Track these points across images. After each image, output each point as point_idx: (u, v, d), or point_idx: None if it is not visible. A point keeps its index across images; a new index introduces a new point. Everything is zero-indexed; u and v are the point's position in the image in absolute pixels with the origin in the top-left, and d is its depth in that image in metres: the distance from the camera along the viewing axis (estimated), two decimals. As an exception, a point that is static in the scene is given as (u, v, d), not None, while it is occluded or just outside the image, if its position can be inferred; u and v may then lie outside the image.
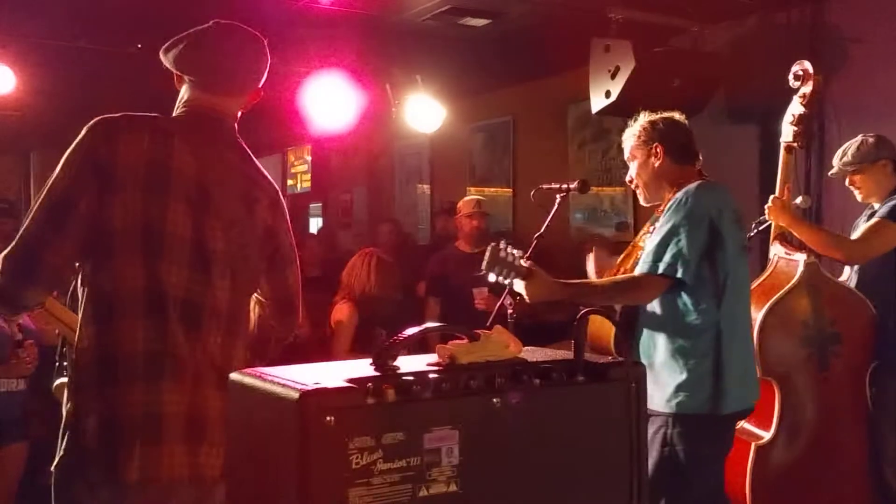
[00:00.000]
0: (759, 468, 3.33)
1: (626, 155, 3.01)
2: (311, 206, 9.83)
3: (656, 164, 2.89)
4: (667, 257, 2.69)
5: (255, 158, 2.19)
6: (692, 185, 2.78)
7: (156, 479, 1.91)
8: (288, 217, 2.23)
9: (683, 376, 2.69)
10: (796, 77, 3.64)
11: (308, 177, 9.34)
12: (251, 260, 2.09)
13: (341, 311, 4.71)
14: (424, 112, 5.84)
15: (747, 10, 4.72)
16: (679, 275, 2.67)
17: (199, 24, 2.16)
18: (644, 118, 2.99)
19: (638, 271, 2.76)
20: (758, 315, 3.30)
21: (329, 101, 5.51)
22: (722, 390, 2.69)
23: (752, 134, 4.86)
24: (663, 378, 2.72)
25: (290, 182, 9.69)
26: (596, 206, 6.11)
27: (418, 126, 5.99)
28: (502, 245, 2.73)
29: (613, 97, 4.54)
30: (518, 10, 4.81)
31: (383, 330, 4.63)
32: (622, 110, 4.80)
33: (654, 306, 2.79)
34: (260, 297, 2.22)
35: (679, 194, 2.77)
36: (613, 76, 4.49)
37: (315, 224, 9.79)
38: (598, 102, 4.67)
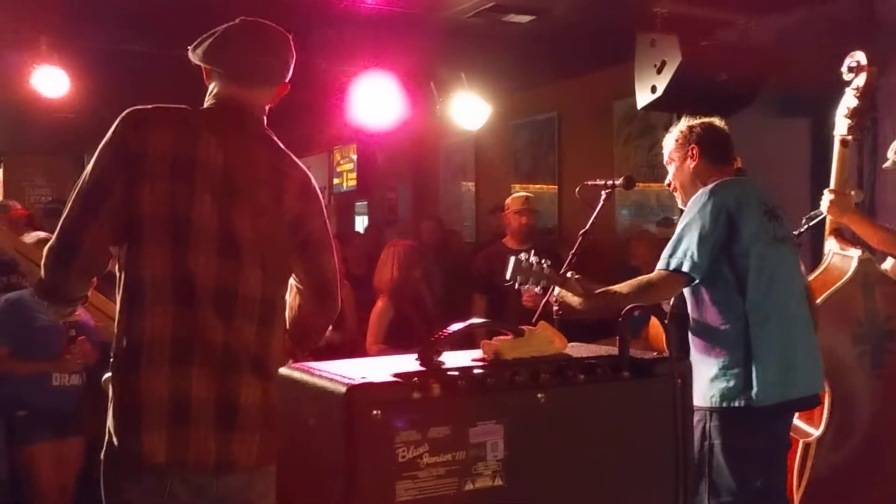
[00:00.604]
0: (808, 466, 3.28)
1: (665, 159, 3.10)
2: (357, 204, 9.89)
3: (692, 166, 2.98)
4: (678, 254, 2.78)
5: (284, 148, 2.20)
6: (711, 184, 2.85)
7: (183, 461, 1.95)
8: (322, 205, 2.24)
9: (714, 370, 2.73)
10: (850, 69, 3.56)
11: (354, 175, 9.40)
12: (281, 248, 2.11)
13: (375, 307, 4.78)
14: (469, 109, 5.84)
15: (795, 1, 4.63)
16: (686, 270, 2.75)
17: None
18: (683, 123, 3.05)
19: (656, 269, 2.84)
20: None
21: (374, 100, 5.54)
22: (754, 382, 2.70)
23: (801, 127, 4.77)
24: (700, 372, 2.72)
25: (336, 181, 9.76)
26: (642, 202, 6.06)
27: (463, 123, 5.99)
28: (523, 257, 2.86)
29: (659, 92, 4.49)
30: (562, 6, 4.78)
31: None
32: (668, 105, 4.75)
33: (690, 303, 2.86)
34: (298, 286, 2.24)
35: (698, 192, 2.85)
36: (659, 71, 4.44)
37: (361, 222, 9.85)
38: (643, 98, 4.62)
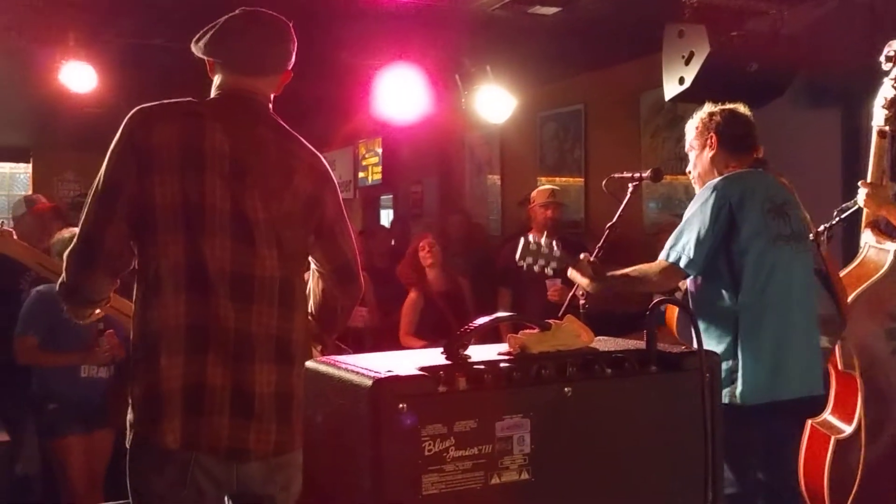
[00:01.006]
0: (839, 462, 3.24)
1: (686, 146, 3.09)
2: (382, 197, 9.90)
3: (710, 155, 2.97)
4: (677, 247, 2.81)
5: (293, 132, 2.21)
6: (720, 177, 2.84)
7: (196, 447, 1.96)
8: (336, 187, 2.26)
9: None
10: (888, 59, 3.49)
11: (379, 169, 9.41)
12: (297, 229, 2.12)
13: (407, 298, 4.85)
14: (494, 102, 5.82)
15: (829, -10, 4.56)
16: (682, 266, 2.77)
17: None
18: (706, 109, 3.02)
19: (659, 257, 2.89)
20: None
21: (399, 94, 5.54)
22: (739, 381, 2.69)
23: (834, 118, 4.70)
24: None
25: (361, 174, 9.78)
26: (670, 194, 6.00)
27: (488, 116, 5.97)
28: (531, 238, 2.95)
29: (688, 83, 4.44)
30: (588, -3, 4.75)
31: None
32: (697, 97, 4.68)
33: (689, 295, 2.89)
34: (319, 269, 2.24)
35: (705, 185, 2.86)
36: (688, 62, 4.39)
37: (386, 216, 9.86)
38: (671, 89, 4.57)
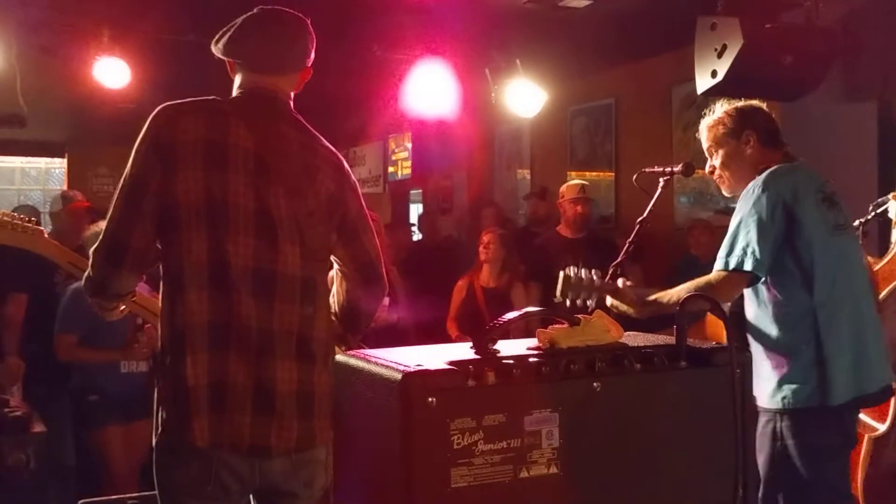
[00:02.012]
0: (874, 461, 3.19)
1: (707, 145, 2.93)
2: (412, 192, 9.92)
3: (748, 152, 2.82)
4: (736, 251, 2.62)
5: (314, 131, 2.21)
6: (763, 174, 2.69)
7: (220, 444, 1.98)
8: (357, 186, 2.25)
9: (785, 370, 2.61)
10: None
11: (408, 163, 9.43)
12: (319, 227, 2.12)
13: (456, 284, 5.06)
14: (524, 96, 5.80)
15: (865, -19, 4.49)
16: (748, 268, 2.58)
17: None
18: (721, 108, 2.91)
19: (714, 269, 2.68)
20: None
21: (429, 88, 5.54)
22: (828, 381, 2.57)
23: (870, 112, 4.64)
24: (766, 373, 2.63)
25: (391, 169, 9.80)
26: (702, 189, 5.95)
27: (518, 110, 5.95)
28: (572, 271, 2.73)
29: (720, 77, 4.39)
30: (620, -10, 4.72)
31: None
32: (729, 90, 4.63)
33: (749, 301, 2.72)
34: (342, 269, 2.25)
35: (750, 184, 2.70)
36: (720, 55, 4.33)
37: (416, 210, 9.88)
38: (703, 83, 4.52)
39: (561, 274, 2.74)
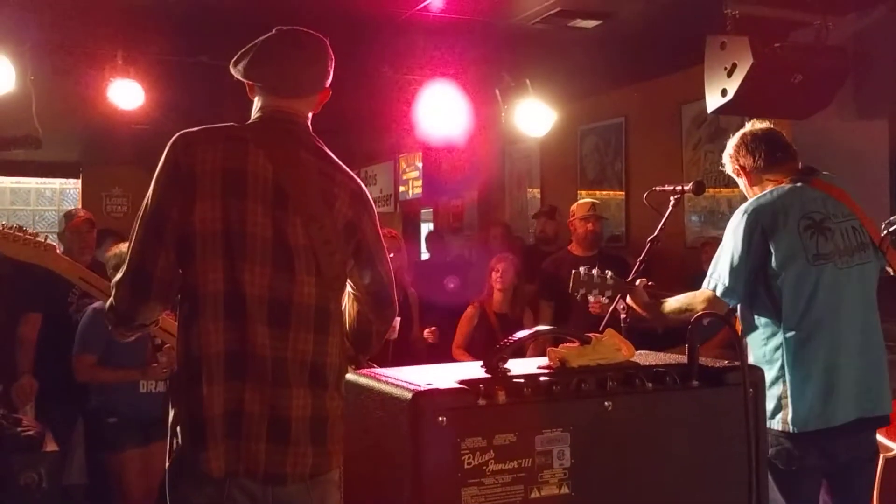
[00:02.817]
0: (888, 481, 3.16)
1: (731, 172, 3.04)
2: (423, 211, 9.94)
3: (744, 182, 2.94)
4: (714, 275, 2.76)
5: (333, 156, 2.21)
6: (750, 200, 2.79)
7: (235, 472, 1.98)
8: (374, 211, 2.26)
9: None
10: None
11: (419, 183, 9.46)
12: (336, 255, 2.12)
13: (465, 312, 4.95)
14: (534, 116, 5.82)
15: (875, 0, 4.49)
16: (719, 293, 2.71)
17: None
18: (735, 137, 3.00)
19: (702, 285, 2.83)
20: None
21: (440, 108, 5.57)
22: (789, 408, 2.59)
23: (881, 129, 4.62)
24: None
25: (401, 188, 9.83)
26: (713, 208, 5.94)
27: (528, 130, 5.97)
28: (583, 269, 2.94)
29: (730, 95, 4.40)
30: (629, 10, 4.73)
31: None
32: (740, 109, 4.64)
33: (741, 322, 2.81)
34: (355, 293, 2.25)
35: (737, 210, 2.79)
36: (730, 74, 4.35)
37: (426, 229, 9.90)
38: (713, 101, 4.53)
39: (573, 273, 2.86)
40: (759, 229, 2.68)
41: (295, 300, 2.05)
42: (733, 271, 2.70)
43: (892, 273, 2.88)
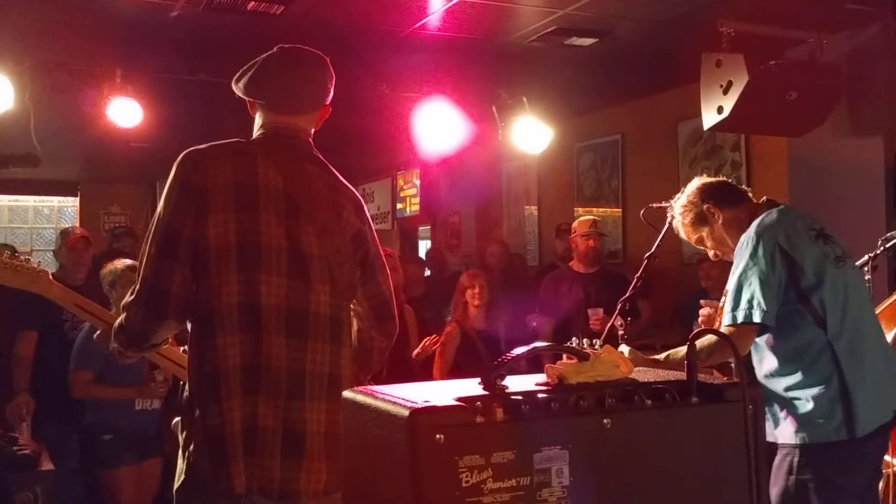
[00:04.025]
0: (893, 497, 3.14)
1: (694, 241, 2.97)
2: (420, 228, 9.96)
3: (720, 222, 2.86)
4: (742, 304, 2.61)
5: (334, 170, 2.23)
6: (752, 225, 2.72)
7: (251, 489, 1.97)
8: (373, 225, 2.27)
9: (810, 406, 2.58)
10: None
11: (417, 200, 9.48)
12: (346, 265, 2.13)
13: (444, 333, 4.83)
14: (531, 133, 5.84)
15: (869, 18, 4.52)
16: (757, 320, 2.57)
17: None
18: (677, 207, 2.97)
19: (722, 325, 2.66)
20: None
21: (437, 126, 5.58)
22: (854, 411, 2.55)
23: (876, 147, 4.64)
24: (788, 411, 2.62)
25: (399, 206, 9.85)
26: (709, 224, 5.95)
27: (525, 147, 5.99)
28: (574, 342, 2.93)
29: (726, 113, 4.42)
30: (625, 28, 4.76)
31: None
32: (736, 126, 4.67)
33: (763, 341, 2.70)
34: (356, 308, 2.24)
35: (742, 237, 2.72)
36: (726, 91, 4.37)
37: (424, 246, 9.91)
38: (709, 118, 4.56)
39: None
40: (778, 248, 2.63)
41: (312, 310, 2.05)
42: (768, 294, 2.58)
43: None
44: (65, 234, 5.23)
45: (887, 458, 3.19)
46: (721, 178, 2.99)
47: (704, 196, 2.90)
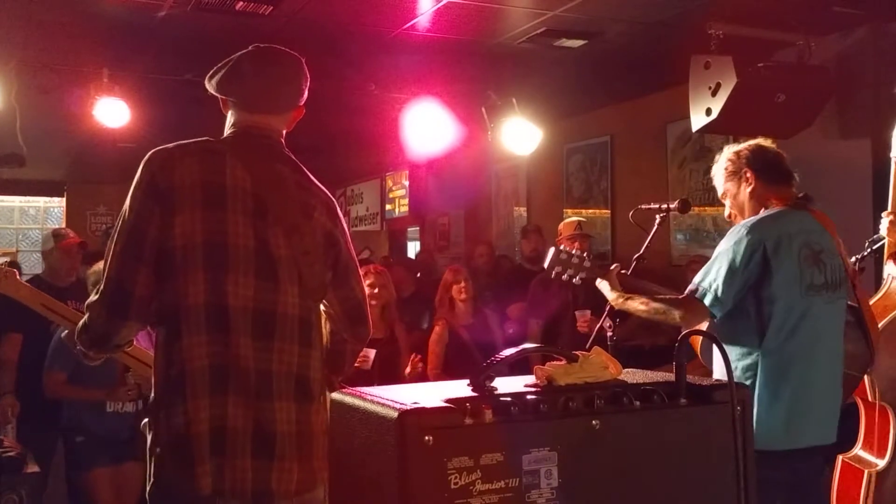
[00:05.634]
0: (874, 497, 3.16)
1: (720, 192, 2.97)
2: (409, 229, 9.94)
3: (748, 189, 2.85)
4: (704, 283, 2.70)
5: (306, 170, 2.21)
6: (756, 216, 2.75)
7: (222, 491, 1.95)
8: (346, 226, 2.25)
9: None
10: (903, 89, 3.47)
11: (406, 201, 9.46)
12: (316, 266, 2.11)
13: (433, 332, 4.82)
14: (520, 134, 5.84)
15: (857, 20, 4.54)
16: (707, 303, 2.66)
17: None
18: (727, 151, 2.95)
19: (687, 288, 2.77)
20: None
21: (426, 126, 5.58)
22: (754, 425, 2.58)
23: (864, 149, 4.66)
24: None
25: (388, 206, 9.83)
26: (698, 226, 5.97)
27: (514, 148, 5.99)
28: (562, 248, 2.93)
29: (714, 114, 4.43)
30: (614, 30, 4.77)
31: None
32: (724, 127, 4.68)
33: (720, 334, 2.71)
34: (328, 310, 2.23)
35: (741, 222, 2.75)
36: (714, 93, 4.38)
37: (413, 247, 9.89)
38: (698, 120, 4.57)
39: (552, 249, 2.84)
40: (762, 249, 2.66)
41: (280, 311, 2.03)
42: (728, 283, 2.64)
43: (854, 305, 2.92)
44: (59, 236, 5.15)
45: (870, 457, 3.22)
46: (777, 151, 2.93)
47: (752, 161, 2.86)
